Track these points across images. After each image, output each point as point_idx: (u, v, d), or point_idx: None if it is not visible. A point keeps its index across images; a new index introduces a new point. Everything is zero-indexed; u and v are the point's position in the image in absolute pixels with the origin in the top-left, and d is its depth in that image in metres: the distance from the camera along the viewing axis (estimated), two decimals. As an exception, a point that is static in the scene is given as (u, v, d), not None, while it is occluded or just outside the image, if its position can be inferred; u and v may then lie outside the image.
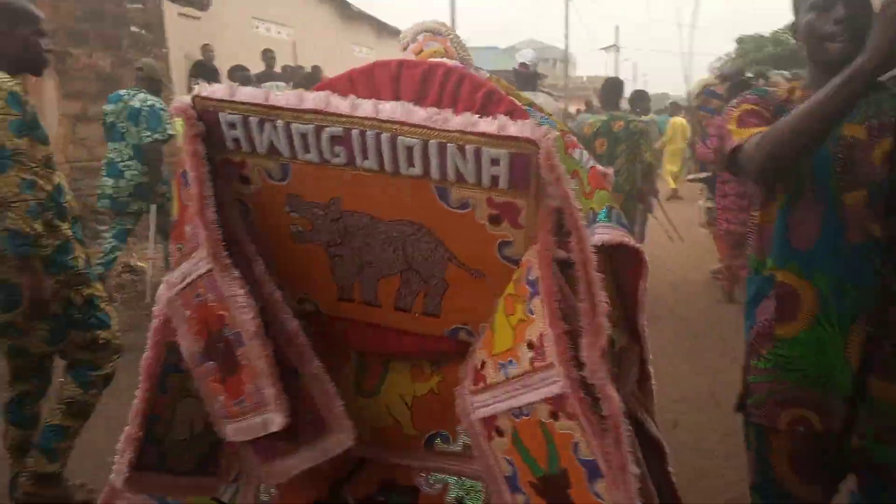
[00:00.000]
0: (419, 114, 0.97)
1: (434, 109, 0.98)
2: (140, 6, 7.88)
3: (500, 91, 1.10)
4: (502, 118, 0.95)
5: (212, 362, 1.09)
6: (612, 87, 5.30)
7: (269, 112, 1.02)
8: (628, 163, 4.80)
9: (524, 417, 0.97)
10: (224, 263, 1.03)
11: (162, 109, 4.95)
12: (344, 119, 0.99)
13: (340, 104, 0.99)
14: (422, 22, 1.36)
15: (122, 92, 5.07)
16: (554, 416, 0.94)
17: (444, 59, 1.21)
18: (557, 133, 1.01)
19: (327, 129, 1.00)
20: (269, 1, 11.06)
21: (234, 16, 9.92)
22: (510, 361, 0.99)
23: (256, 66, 8.69)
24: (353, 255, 1.11)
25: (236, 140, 1.05)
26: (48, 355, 2.51)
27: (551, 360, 0.92)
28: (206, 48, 8.58)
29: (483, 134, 0.94)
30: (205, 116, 1.04)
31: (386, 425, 1.19)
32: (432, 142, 0.97)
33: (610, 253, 1.17)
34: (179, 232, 1.11)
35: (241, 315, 1.02)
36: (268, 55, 9.11)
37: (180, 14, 8.82)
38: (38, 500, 2.44)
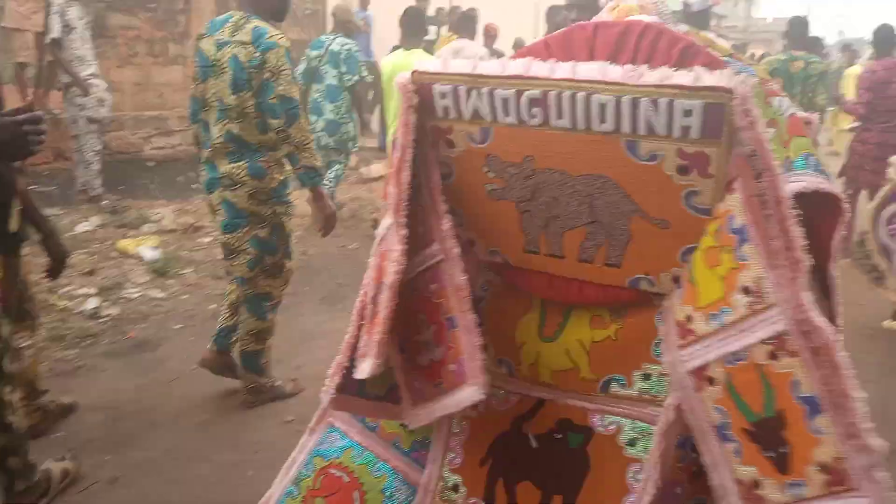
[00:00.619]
0: (614, 72, 1.01)
1: (630, 67, 1.01)
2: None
3: (697, 44, 1.10)
4: (699, 69, 0.96)
5: (371, 306, 1.23)
6: (796, 26, 4.93)
7: (476, 80, 1.10)
8: (801, 106, 4.48)
9: (739, 362, 0.97)
10: (399, 221, 1.15)
11: (358, 51, 5.47)
12: (542, 82, 1.05)
13: (540, 68, 1.05)
14: None
15: (323, 38, 5.66)
16: (773, 356, 0.93)
17: (642, 17, 1.22)
18: (756, 79, 1.00)
19: (527, 92, 1.07)
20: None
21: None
22: (722, 310, 0.99)
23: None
24: (541, 209, 1.18)
25: (445, 108, 1.15)
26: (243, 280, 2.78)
27: (771, 301, 0.92)
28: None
29: (678, 86, 0.96)
30: (421, 88, 1.15)
31: (564, 368, 1.26)
32: (625, 98, 1.00)
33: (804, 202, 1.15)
34: (387, 191, 1.24)
35: (389, 266, 1.14)
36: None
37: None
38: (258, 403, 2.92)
